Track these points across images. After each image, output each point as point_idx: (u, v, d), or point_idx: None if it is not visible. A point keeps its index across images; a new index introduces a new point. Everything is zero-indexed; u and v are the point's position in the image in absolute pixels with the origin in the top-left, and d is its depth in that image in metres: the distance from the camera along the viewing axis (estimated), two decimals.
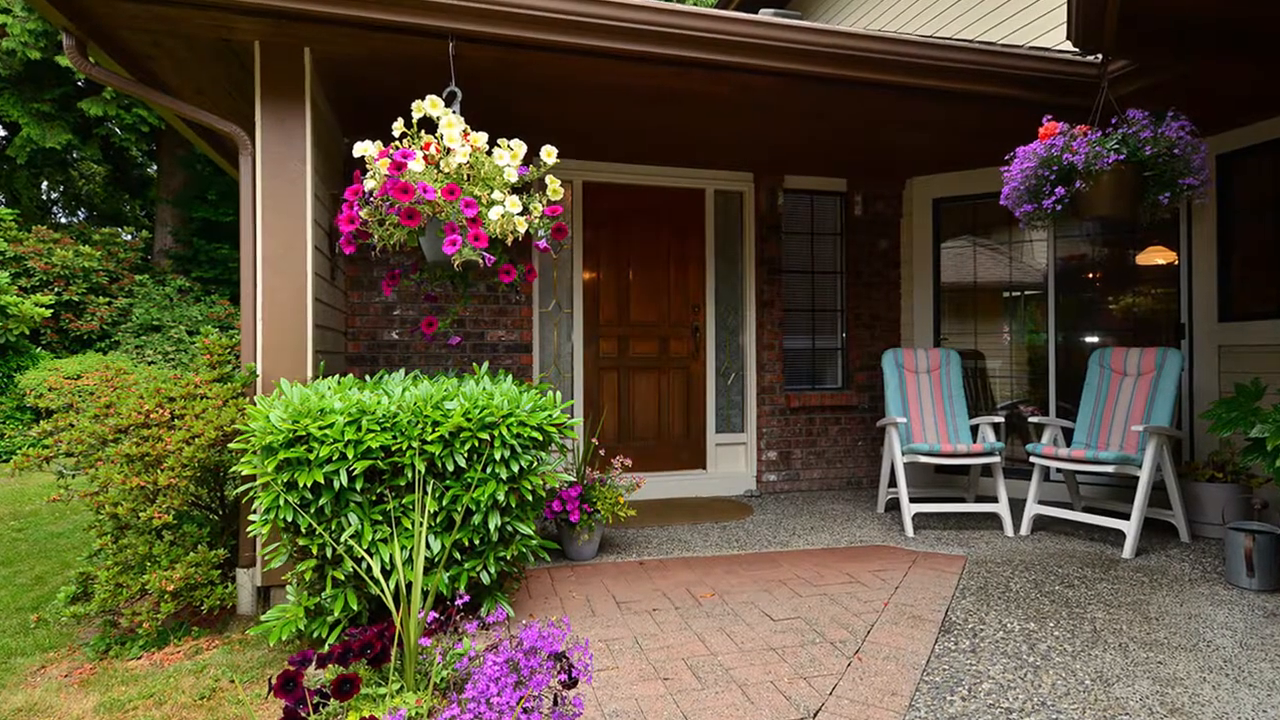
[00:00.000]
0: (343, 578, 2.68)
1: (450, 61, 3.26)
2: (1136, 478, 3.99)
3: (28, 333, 9.26)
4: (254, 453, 2.67)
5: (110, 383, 3.32)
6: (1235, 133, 4.51)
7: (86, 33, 3.17)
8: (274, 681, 1.81)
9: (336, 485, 2.60)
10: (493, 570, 2.84)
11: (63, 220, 15.92)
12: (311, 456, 2.58)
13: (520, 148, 2.98)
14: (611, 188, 5.49)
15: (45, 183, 15.39)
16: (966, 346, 5.75)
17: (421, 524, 2.54)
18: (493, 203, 2.89)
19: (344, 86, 3.78)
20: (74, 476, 3.10)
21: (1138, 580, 3.51)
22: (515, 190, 3.05)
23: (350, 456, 2.59)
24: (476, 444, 2.76)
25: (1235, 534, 3.40)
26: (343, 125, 4.33)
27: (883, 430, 5.69)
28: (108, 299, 10.44)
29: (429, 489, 2.71)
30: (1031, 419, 4.72)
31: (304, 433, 2.60)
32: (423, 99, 2.95)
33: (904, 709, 2.26)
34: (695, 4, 11.66)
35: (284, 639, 2.66)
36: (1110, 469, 4.02)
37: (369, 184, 2.89)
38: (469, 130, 2.93)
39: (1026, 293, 5.57)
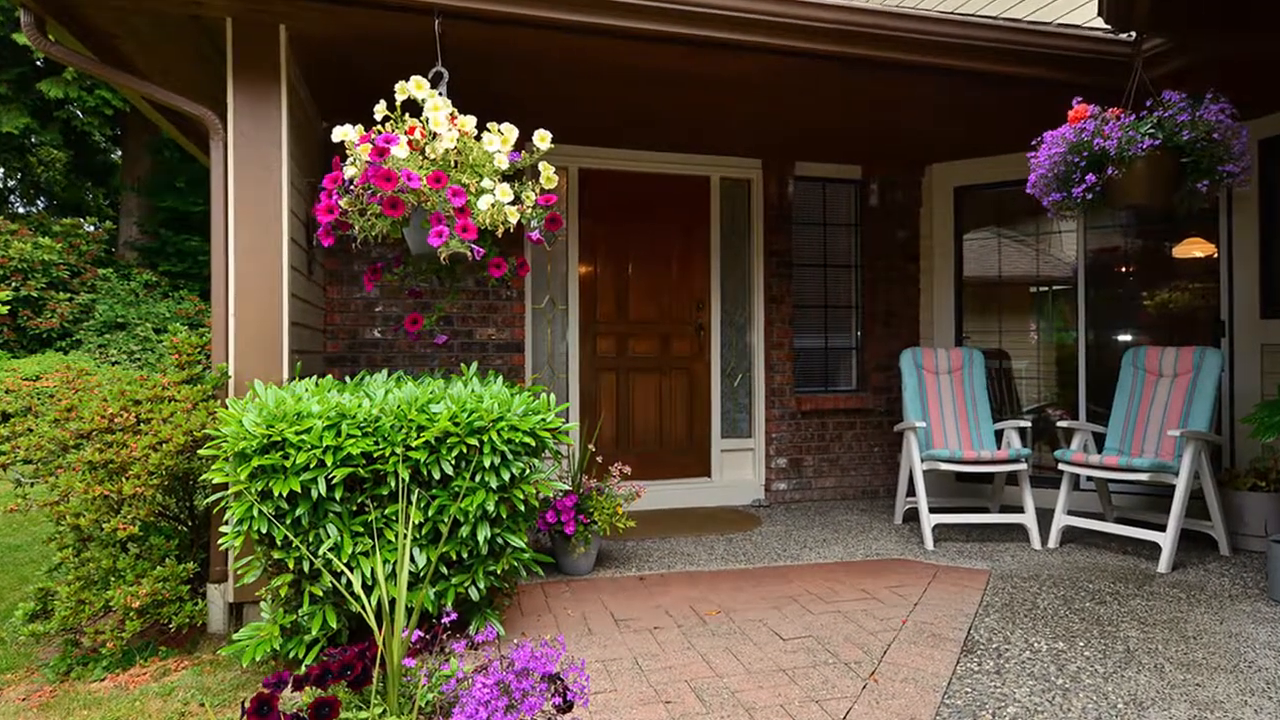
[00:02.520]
0: (321, 594, 2.68)
1: (436, 40, 3.26)
2: (1173, 486, 3.99)
3: None
4: (226, 459, 2.67)
5: (72, 384, 3.33)
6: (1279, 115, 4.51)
7: (46, 9, 3.17)
8: (247, 705, 1.81)
9: (314, 494, 2.60)
10: (482, 586, 2.85)
11: (20, 210, 15.93)
12: (287, 464, 2.58)
13: (511, 132, 2.98)
14: (610, 175, 5.49)
15: (1, 169, 15.39)
16: (990, 345, 5.75)
17: (405, 536, 2.54)
18: (482, 191, 2.89)
19: (322, 67, 3.78)
20: (33, 485, 3.10)
21: (1174, 596, 3.51)
22: (506, 178, 3.05)
23: (329, 464, 2.59)
24: (464, 450, 2.76)
25: (1279, 547, 3.40)
26: (321, 109, 4.33)
27: (900, 435, 5.69)
28: (69, 294, 10.44)
29: (413, 498, 2.71)
30: (1060, 423, 4.72)
31: (279, 438, 2.60)
32: (406, 80, 2.95)
33: None
34: None
35: (258, 659, 2.66)
36: (1144, 477, 4.02)
37: (349, 171, 2.89)
38: (456, 114, 2.93)
39: (1055, 288, 5.57)
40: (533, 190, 3.07)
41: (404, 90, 2.94)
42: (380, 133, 2.86)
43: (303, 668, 2.63)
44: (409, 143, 2.86)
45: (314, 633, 2.65)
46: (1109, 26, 3.76)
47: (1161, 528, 4.06)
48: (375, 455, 2.69)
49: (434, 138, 2.88)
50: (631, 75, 4.01)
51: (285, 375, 3.27)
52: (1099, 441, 4.73)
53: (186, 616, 2.92)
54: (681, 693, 2.54)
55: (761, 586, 3.67)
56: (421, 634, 2.27)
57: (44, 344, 10.14)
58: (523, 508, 2.87)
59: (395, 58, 3.52)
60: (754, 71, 3.91)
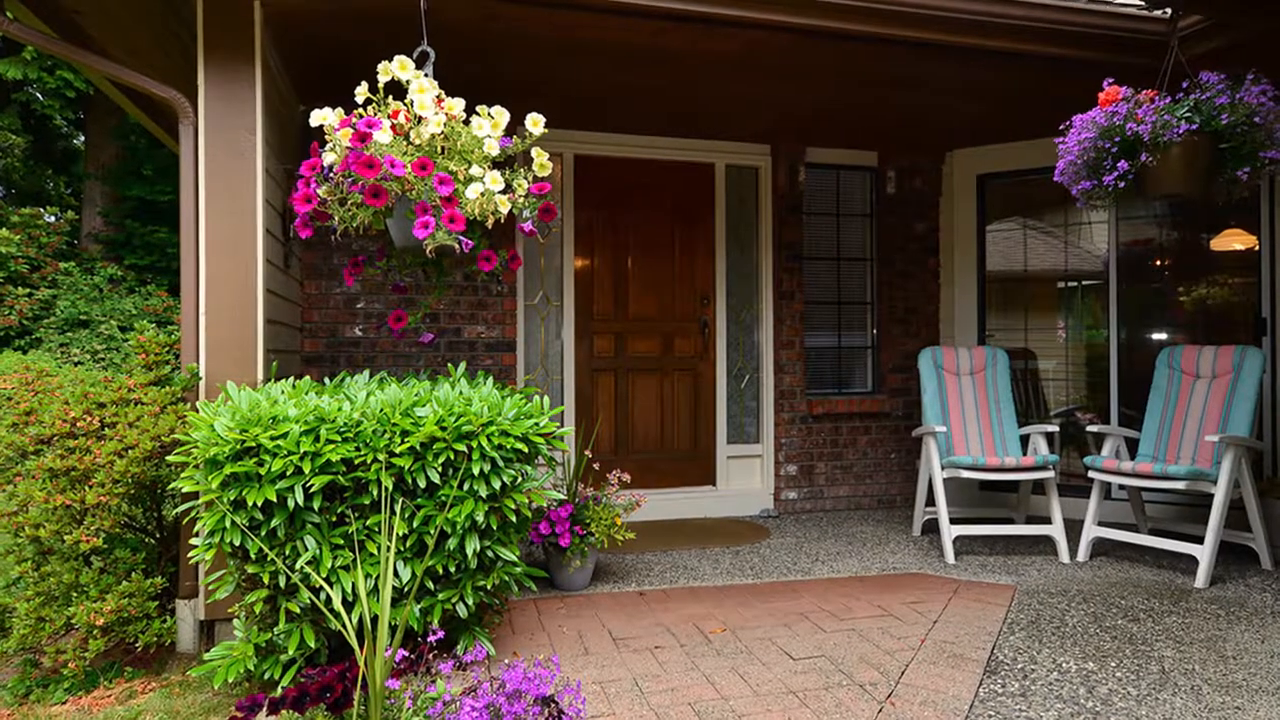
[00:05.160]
0: (298, 610, 2.68)
1: (422, 17, 3.26)
2: (1211, 495, 3.99)
3: None
4: (196, 466, 2.67)
5: (31, 386, 3.32)
6: None
7: None
8: None
9: (291, 504, 2.60)
10: (470, 602, 2.85)
11: None
12: (262, 471, 2.58)
13: (502, 116, 2.98)
14: (607, 161, 5.49)
15: None
16: (1015, 345, 5.75)
17: (389, 548, 2.54)
18: (470, 179, 2.89)
19: (300, 46, 3.78)
20: None
21: (1212, 613, 3.51)
22: (497, 165, 3.05)
23: (307, 471, 2.59)
24: (452, 456, 2.76)
25: None
26: (299, 91, 4.34)
27: (919, 441, 5.69)
28: (28, 290, 10.44)
29: (397, 508, 2.71)
30: (1090, 428, 4.72)
31: (253, 444, 2.60)
32: (390, 60, 2.95)
33: None
34: None
35: (230, 681, 2.66)
36: (1180, 485, 4.02)
37: (328, 158, 2.89)
38: (443, 96, 2.93)
39: (1084, 283, 5.57)
40: (525, 178, 3.07)
41: (387, 71, 2.93)
42: (362, 116, 2.86)
43: (279, 690, 2.63)
44: (393, 127, 2.86)
45: (291, 652, 2.65)
46: (1143, 2, 3.76)
47: (1199, 539, 4.06)
48: (356, 462, 2.69)
49: (419, 122, 2.88)
50: (627, 54, 4.01)
51: (260, 376, 3.27)
52: (1132, 447, 4.73)
53: (154, 635, 2.92)
54: (684, 716, 2.54)
55: (770, 603, 3.67)
56: (406, 653, 2.27)
57: (2, 343, 10.14)
58: (514, 518, 2.87)
59: (378, 37, 3.53)
60: (758, 50, 3.91)
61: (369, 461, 2.69)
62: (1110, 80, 3.53)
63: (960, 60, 4.02)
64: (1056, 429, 4.79)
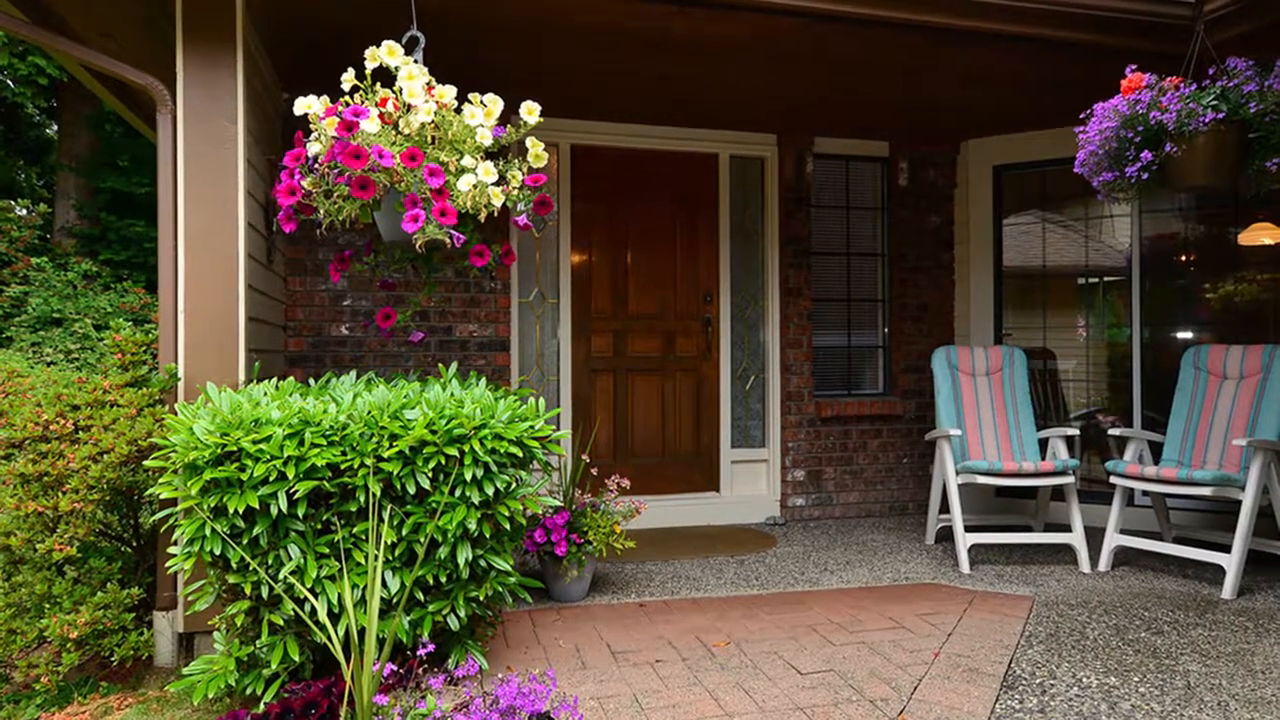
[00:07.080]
0: (282, 623, 2.68)
1: (411, 1, 3.26)
2: (1238, 502, 3.99)
3: None
4: (175, 472, 2.67)
5: (1, 387, 3.32)
6: None
7: None
8: None
9: (274, 511, 2.60)
10: (462, 613, 2.85)
11: None
12: (244, 476, 2.58)
13: (495, 104, 2.98)
14: (606, 152, 5.50)
15: None
16: (1033, 344, 5.75)
17: (377, 557, 2.54)
18: (462, 170, 2.89)
19: (284, 31, 3.78)
20: None
21: (1240, 625, 3.51)
22: (490, 155, 3.05)
23: (290, 476, 2.59)
24: (443, 461, 2.76)
25: None
26: (282, 78, 4.34)
27: (932, 445, 5.69)
28: None
29: (386, 515, 2.71)
30: (1112, 431, 4.72)
31: (235, 448, 2.60)
32: (378, 45, 2.95)
33: None
34: None
35: (210, 696, 2.66)
36: (1207, 491, 4.02)
37: (313, 148, 2.89)
38: (434, 83, 2.93)
39: (1106, 279, 5.57)
40: (519, 169, 3.07)
41: (375, 57, 2.93)
42: (348, 104, 2.86)
43: (261, 706, 2.63)
44: (381, 116, 2.86)
45: (274, 666, 2.65)
46: None
47: (1226, 548, 4.06)
48: (343, 467, 2.69)
49: (408, 110, 2.88)
50: (626, 39, 4.01)
51: (241, 377, 3.27)
52: (1155, 451, 4.74)
53: (131, 648, 2.92)
54: None
55: (776, 614, 3.68)
56: (395, 668, 2.27)
57: None
58: (508, 526, 2.87)
59: (365, 20, 3.52)
60: (768, 35, 3.91)
61: (356, 466, 2.69)
62: (1133, 67, 3.53)
63: (979, 46, 4.02)
64: (1077, 432, 4.79)
